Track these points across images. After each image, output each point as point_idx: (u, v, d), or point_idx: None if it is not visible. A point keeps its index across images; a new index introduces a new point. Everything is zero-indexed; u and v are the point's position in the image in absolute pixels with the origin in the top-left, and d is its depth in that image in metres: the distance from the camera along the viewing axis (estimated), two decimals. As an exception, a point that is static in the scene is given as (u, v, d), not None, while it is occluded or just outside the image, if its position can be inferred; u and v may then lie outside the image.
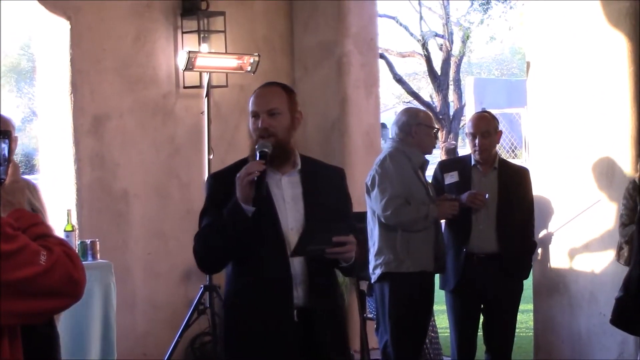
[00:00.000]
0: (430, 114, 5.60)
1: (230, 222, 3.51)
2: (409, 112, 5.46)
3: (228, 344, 3.71)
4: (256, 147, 3.57)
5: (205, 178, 6.63)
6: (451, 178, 5.54)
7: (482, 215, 5.41)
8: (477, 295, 5.46)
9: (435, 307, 6.57)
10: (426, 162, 5.38)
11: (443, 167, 5.69)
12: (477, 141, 5.45)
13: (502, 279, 5.43)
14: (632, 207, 5.40)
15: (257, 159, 3.53)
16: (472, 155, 5.57)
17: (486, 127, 5.49)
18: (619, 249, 5.37)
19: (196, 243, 3.64)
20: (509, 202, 5.48)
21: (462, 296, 5.48)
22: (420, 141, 5.32)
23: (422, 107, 5.75)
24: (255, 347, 3.59)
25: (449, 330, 5.73)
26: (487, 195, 5.35)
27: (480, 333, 5.67)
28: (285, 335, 3.56)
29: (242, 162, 3.66)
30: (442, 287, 5.60)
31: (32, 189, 4.10)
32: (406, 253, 5.23)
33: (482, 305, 5.55)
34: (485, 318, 5.57)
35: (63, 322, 5.51)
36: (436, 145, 5.45)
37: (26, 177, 4.63)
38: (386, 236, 5.26)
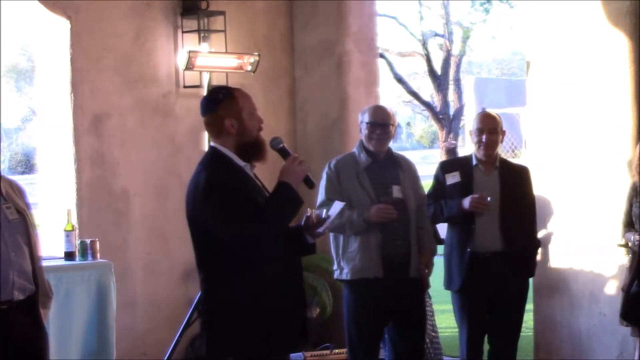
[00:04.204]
0: (373, 109, 5.43)
1: (287, 203, 3.82)
2: (361, 112, 5.48)
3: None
4: (277, 142, 3.94)
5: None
6: (453, 178, 5.53)
7: (485, 214, 5.40)
8: (483, 294, 5.46)
9: (436, 307, 6.58)
10: (371, 163, 5.28)
11: (444, 167, 5.68)
12: (484, 137, 5.46)
13: (508, 277, 5.44)
14: (628, 209, 5.49)
15: (286, 153, 3.93)
16: (473, 155, 5.57)
17: (493, 125, 5.51)
18: (624, 240, 5.52)
19: (269, 223, 3.77)
20: (511, 201, 5.48)
21: (469, 295, 5.47)
22: (364, 137, 5.32)
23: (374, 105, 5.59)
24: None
25: (449, 330, 5.71)
26: (489, 199, 5.35)
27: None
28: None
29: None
30: (447, 287, 5.59)
31: (16, 190, 4.09)
32: (345, 260, 5.24)
33: (488, 304, 5.54)
34: (491, 317, 5.56)
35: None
36: (378, 139, 5.28)
37: (14, 177, 4.62)
38: (333, 243, 5.33)
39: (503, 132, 5.57)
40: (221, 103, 3.85)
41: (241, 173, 3.85)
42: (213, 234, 3.76)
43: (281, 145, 3.96)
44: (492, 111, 5.89)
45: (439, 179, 5.59)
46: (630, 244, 5.48)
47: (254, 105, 3.91)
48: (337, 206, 4.24)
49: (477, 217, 5.40)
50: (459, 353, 5.68)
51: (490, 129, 5.49)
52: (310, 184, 3.96)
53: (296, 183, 3.83)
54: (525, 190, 5.62)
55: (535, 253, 5.77)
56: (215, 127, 3.87)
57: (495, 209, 5.42)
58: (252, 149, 3.86)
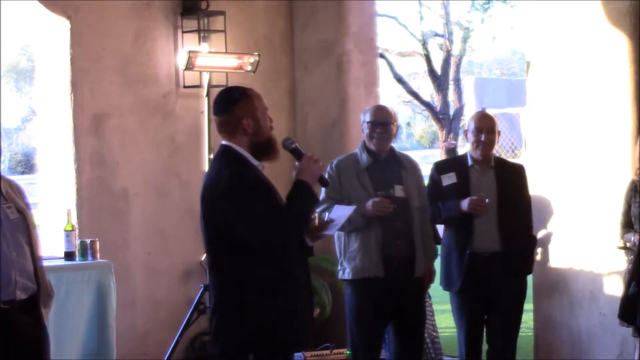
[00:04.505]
0: (375, 108, 5.43)
1: (308, 201, 3.89)
2: (363, 111, 5.49)
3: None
4: (290, 142, 3.99)
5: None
6: (449, 179, 5.52)
7: (483, 215, 5.40)
8: (483, 294, 5.47)
9: (436, 307, 6.59)
10: (372, 163, 5.29)
11: (439, 168, 5.67)
12: (482, 136, 5.46)
13: (507, 276, 5.44)
14: (627, 210, 5.47)
15: (299, 152, 3.98)
16: (468, 155, 5.57)
17: (491, 124, 5.53)
18: (621, 238, 5.51)
19: (294, 221, 3.84)
20: (508, 200, 5.49)
21: (469, 296, 5.47)
22: (366, 136, 5.33)
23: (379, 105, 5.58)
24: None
25: (449, 330, 5.69)
26: (487, 200, 5.35)
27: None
28: None
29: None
30: (446, 288, 5.59)
31: (15, 189, 4.09)
32: (346, 260, 5.27)
33: (487, 304, 5.54)
34: (490, 317, 5.56)
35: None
36: (379, 138, 5.27)
37: (14, 177, 4.62)
38: (337, 243, 5.34)
39: (499, 133, 5.59)
40: (237, 103, 3.90)
41: (259, 172, 3.90)
42: (235, 233, 3.78)
43: (294, 145, 4.00)
44: (489, 111, 5.90)
45: (434, 180, 5.59)
46: (629, 245, 5.47)
47: (266, 105, 3.98)
48: (338, 210, 4.28)
49: (476, 218, 5.40)
50: (458, 353, 5.68)
51: (488, 128, 5.50)
52: (325, 182, 4.06)
53: (313, 182, 3.90)
54: (521, 188, 5.64)
55: (533, 251, 5.78)
56: (231, 126, 3.89)
57: (493, 209, 5.42)
58: (266, 148, 3.92)
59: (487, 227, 5.42)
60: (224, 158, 3.90)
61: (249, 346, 3.84)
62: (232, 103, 3.90)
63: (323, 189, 5.25)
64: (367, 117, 5.33)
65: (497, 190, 5.48)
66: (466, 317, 5.52)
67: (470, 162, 5.54)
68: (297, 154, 3.99)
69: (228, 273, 3.85)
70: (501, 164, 5.65)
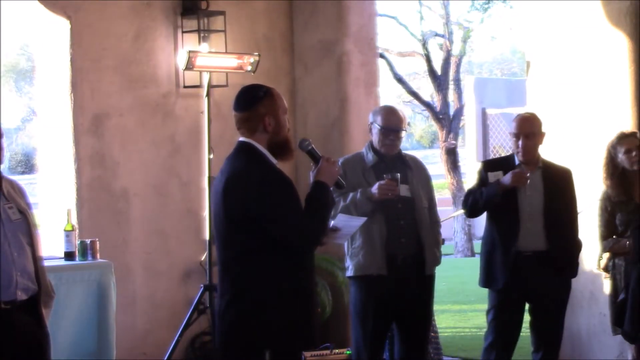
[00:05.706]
0: (387, 113, 5.40)
1: (328, 202, 4.00)
2: (371, 111, 5.49)
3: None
4: (307, 143, 4.06)
5: (206, 177, 6.65)
6: (496, 177, 5.49)
7: (529, 213, 5.38)
8: (524, 294, 5.44)
9: (436, 307, 6.56)
10: (378, 162, 5.30)
11: (487, 166, 5.65)
12: (520, 142, 5.42)
13: (551, 277, 5.41)
14: (608, 219, 5.44)
15: (315, 154, 4.05)
16: (515, 155, 5.53)
17: (530, 129, 5.44)
18: (599, 258, 5.46)
19: (318, 222, 3.94)
20: (555, 201, 5.44)
21: (510, 295, 5.44)
22: (376, 140, 5.33)
23: (390, 105, 5.50)
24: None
25: (449, 330, 5.65)
26: (528, 174, 5.30)
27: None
28: None
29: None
30: (486, 285, 5.56)
31: (17, 190, 4.09)
32: (350, 257, 5.28)
33: (528, 305, 5.51)
34: (534, 317, 5.53)
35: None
36: (391, 145, 5.27)
37: (14, 177, 4.62)
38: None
39: (542, 134, 5.49)
40: (262, 101, 3.94)
41: (280, 170, 3.95)
42: (260, 228, 3.81)
43: (310, 147, 4.05)
44: (531, 113, 5.74)
45: (482, 178, 5.55)
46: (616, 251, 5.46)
47: (286, 105, 4.03)
48: (348, 220, 4.35)
49: (521, 211, 5.33)
50: (483, 352, 5.61)
51: (526, 133, 5.42)
52: (341, 185, 4.14)
53: (331, 183, 3.99)
54: (568, 191, 5.56)
55: (578, 254, 5.66)
56: (252, 123, 3.93)
57: (539, 207, 5.39)
58: (282, 148, 3.97)
59: (533, 226, 5.39)
60: (246, 154, 3.94)
61: (268, 343, 3.85)
62: (256, 101, 3.94)
63: None
64: (379, 122, 5.30)
65: (544, 190, 5.44)
66: (507, 317, 5.48)
67: (517, 162, 5.50)
68: (313, 155, 4.05)
69: (248, 269, 3.87)
70: (549, 165, 5.57)
